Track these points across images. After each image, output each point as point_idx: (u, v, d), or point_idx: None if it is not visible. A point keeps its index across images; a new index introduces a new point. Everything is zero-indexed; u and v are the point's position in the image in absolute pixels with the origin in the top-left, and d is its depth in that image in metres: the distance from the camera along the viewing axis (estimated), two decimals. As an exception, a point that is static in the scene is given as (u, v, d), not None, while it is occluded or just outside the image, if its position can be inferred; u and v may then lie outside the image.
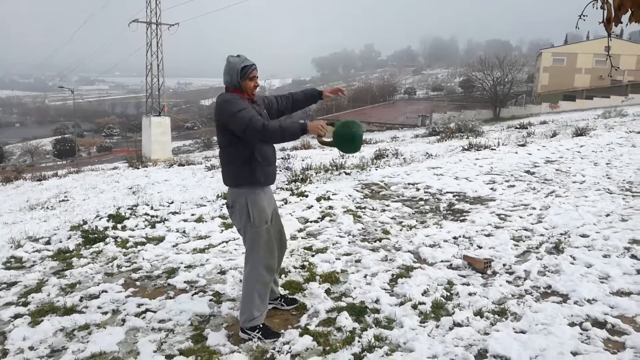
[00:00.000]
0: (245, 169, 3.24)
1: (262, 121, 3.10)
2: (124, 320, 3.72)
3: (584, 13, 2.27)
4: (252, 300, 3.32)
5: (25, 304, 4.08)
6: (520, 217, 6.07)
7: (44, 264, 5.13)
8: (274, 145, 3.45)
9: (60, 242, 5.93)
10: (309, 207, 6.82)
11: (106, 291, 4.27)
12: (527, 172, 9.04)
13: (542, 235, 5.35)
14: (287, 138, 3.14)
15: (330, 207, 6.78)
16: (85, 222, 6.78)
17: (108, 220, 6.68)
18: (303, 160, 13.04)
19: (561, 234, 5.33)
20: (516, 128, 21.53)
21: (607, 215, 5.95)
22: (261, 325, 3.37)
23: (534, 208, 6.43)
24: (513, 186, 7.86)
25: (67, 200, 11.83)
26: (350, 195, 7.43)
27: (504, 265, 4.55)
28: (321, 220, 6.27)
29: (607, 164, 9.40)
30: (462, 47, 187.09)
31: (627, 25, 2.17)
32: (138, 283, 4.49)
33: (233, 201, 3.34)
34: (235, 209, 3.32)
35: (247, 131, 3.09)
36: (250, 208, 3.26)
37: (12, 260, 5.31)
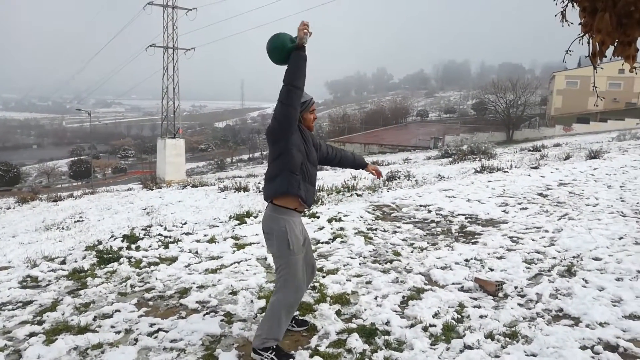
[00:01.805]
0: (291, 179, 3.27)
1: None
2: (136, 340, 3.76)
3: (570, 48, 2.39)
4: (276, 324, 3.32)
5: (40, 323, 4.15)
6: (533, 240, 6.04)
7: (59, 284, 5.20)
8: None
9: (75, 261, 6.01)
10: (321, 228, 6.85)
11: (119, 311, 4.32)
12: (540, 194, 9.00)
13: (554, 258, 5.32)
14: (301, 67, 3.16)
15: (342, 229, 6.81)
16: (99, 243, 6.87)
17: (122, 241, 6.77)
18: (315, 182, 13.09)
19: (574, 257, 5.29)
20: (529, 150, 21.49)
21: (620, 238, 5.90)
22: (275, 346, 3.38)
23: (547, 231, 6.40)
24: (525, 209, 7.84)
25: (82, 220, 11.99)
26: (361, 217, 7.45)
27: (516, 287, 4.53)
28: (332, 242, 6.29)
29: (621, 186, 9.34)
30: (475, 70, 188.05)
31: (610, 59, 2.30)
32: (151, 303, 4.54)
33: (270, 227, 3.35)
34: (273, 235, 3.34)
35: (287, 88, 3.13)
36: (289, 235, 3.28)
37: (28, 279, 5.39)
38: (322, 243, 6.26)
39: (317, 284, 4.73)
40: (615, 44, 2.24)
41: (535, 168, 12.71)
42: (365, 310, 4.12)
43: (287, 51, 3.17)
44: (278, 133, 3.25)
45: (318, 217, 7.45)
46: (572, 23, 2.44)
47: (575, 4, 2.35)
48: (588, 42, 2.30)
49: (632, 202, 7.94)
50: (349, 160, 3.94)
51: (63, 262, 6.07)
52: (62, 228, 11.17)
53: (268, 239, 3.41)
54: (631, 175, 10.50)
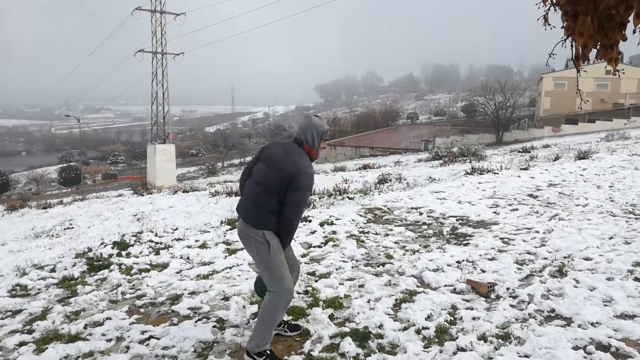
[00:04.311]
0: (272, 218, 3.33)
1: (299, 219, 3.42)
2: (127, 348, 3.73)
3: (553, 52, 2.41)
4: (268, 325, 3.35)
5: (30, 332, 4.10)
6: (524, 241, 6.07)
7: (49, 292, 5.15)
8: None
9: (65, 269, 5.95)
10: (312, 232, 6.84)
11: (110, 318, 4.28)
12: (530, 195, 9.05)
13: (545, 258, 5.35)
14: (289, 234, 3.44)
15: (334, 232, 6.80)
16: (90, 250, 6.81)
17: (113, 248, 6.71)
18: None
19: (564, 258, 5.32)
20: (519, 152, 21.58)
21: (610, 238, 5.95)
22: (268, 352, 3.37)
23: (537, 231, 6.44)
24: (516, 210, 7.87)
25: (72, 227, 11.88)
26: (353, 220, 7.45)
27: (508, 289, 4.54)
28: (324, 245, 6.28)
29: (610, 186, 9.41)
30: (464, 73, 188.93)
31: (593, 62, 2.32)
32: (142, 310, 4.50)
33: (247, 234, 3.39)
34: (251, 239, 3.37)
35: (293, 210, 3.32)
36: (267, 237, 3.32)
37: (18, 288, 5.33)
38: (314, 247, 6.26)
39: (309, 288, 4.72)
40: (598, 47, 2.26)
41: (525, 169, 12.77)
42: (358, 313, 4.12)
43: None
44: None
45: (310, 221, 7.44)
46: (554, 27, 2.45)
47: (557, 7, 2.36)
48: (571, 46, 2.31)
49: (621, 201, 8.01)
50: None
51: (53, 270, 6.00)
52: (52, 235, 11.06)
53: (247, 244, 3.45)
54: (620, 175, 10.59)
